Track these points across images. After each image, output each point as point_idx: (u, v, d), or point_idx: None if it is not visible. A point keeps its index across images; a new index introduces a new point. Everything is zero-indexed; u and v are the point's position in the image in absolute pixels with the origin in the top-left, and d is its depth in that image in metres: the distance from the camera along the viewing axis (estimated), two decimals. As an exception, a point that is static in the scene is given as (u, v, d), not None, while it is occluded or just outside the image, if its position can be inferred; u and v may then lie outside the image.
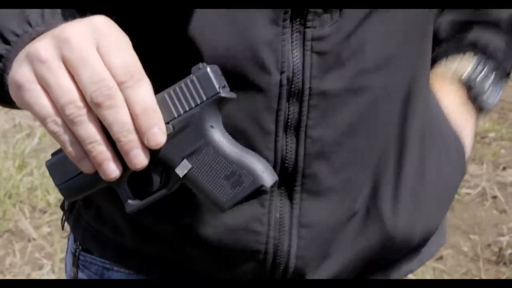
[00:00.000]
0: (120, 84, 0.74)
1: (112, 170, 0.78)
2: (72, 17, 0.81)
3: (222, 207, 0.79)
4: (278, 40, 0.88)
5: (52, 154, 0.83)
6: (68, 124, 0.75)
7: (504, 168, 3.41)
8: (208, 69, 0.78)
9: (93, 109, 0.75)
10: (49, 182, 3.25)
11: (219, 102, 0.79)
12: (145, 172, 0.81)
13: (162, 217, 0.98)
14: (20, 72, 0.76)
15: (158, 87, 0.80)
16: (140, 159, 0.77)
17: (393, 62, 0.94)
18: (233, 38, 0.87)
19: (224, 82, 0.79)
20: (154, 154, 0.78)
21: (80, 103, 0.75)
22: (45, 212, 3.16)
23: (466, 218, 3.17)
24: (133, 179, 0.82)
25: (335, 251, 1.01)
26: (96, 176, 0.79)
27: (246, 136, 0.90)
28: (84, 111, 0.75)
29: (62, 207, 1.18)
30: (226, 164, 0.78)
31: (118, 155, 0.78)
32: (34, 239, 3.02)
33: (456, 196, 3.26)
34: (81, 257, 1.14)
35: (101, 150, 0.76)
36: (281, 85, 0.89)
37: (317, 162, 0.94)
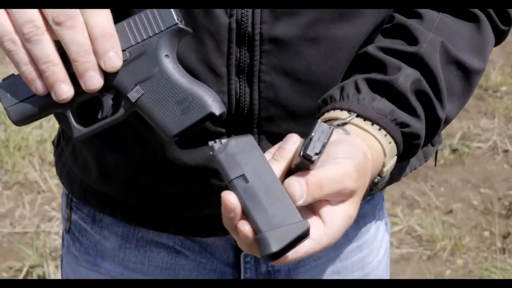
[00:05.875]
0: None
1: (64, 91, 0.79)
2: None
3: (171, 132, 0.81)
4: None
5: (3, 79, 0.84)
6: (25, 43, 0.77)
7: (516, 122, 3.39)
8: None
9: (53, 28, 0.77)
10: (58, 134, 3.25)
11: (176, 34, 0.82)
12: (96, 99, 0.83)
13: (124, 157, 1.02)
14: None
15: None
16: (95, 81, 0.79)
17: (354, 13, 0.93)
18: None
19: (181, 18, 0.83)
20: (108, 79, 0.80)
21: (39, 23, 0.76)
22: (54, 165, 3.16)
23: (476, 172, 3.16)
24: (84, 107, 0.84)
25: None
26: (46, 99, 0.81)
27: (198, 78, 0.91)
28: (41, 30, 0.77)
29: (53, 142, 1.22)
30: (177, 91, 0.81)
31: (72, 79, 0.80)
32: (43, 191, 3.03)
33: (467, 150, 3.24)
34: (74, 199, 1.16)
35: (54, 71, 0.78)
36: (230, 29, 0.90)
37: (273, 107, 0.95)
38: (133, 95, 0.81)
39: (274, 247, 0.72)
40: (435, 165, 1.27)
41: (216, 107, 0.81)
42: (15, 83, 0.83)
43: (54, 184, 3.03)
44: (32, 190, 3.04)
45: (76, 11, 0.76)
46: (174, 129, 0.81)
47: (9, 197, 3.01)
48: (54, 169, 3.11)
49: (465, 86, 0.95)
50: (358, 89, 0.89)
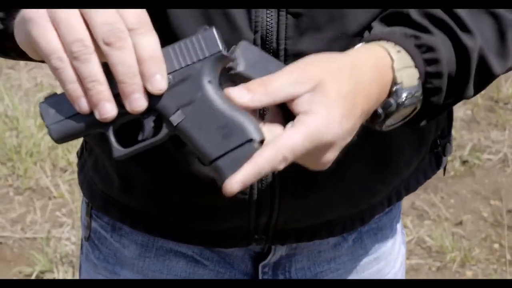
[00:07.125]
0: (131, 30, 0.77)
1: (108, 110, 0.79)
2: None
3: (211, 156, 0.82)
4: None
5: (46, 98, 0.85)
6: (72, 61, 0.77)
7: (526, 135, 3.39)
8: (214, 30, 0.83)
9: (102, 49, 0.77)
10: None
11: (220, 60, 0.83)
12: (137, 121, 0.84)
13: (146, 168, 1.03)
14: (34, 10, 0.78)
15: None
16: (140, 102, 0.79)
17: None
18: None
19: (225, 46, 0.84)
20: (151, 101, 0.81)
21: (88, 43, 0.77)
22: (66, 171, 3.17)
23: (486, 184, 3.16)
24: (124, 129, 0.85)
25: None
26: (89, 118, 0.81)
27: None
28: (90, 50, 0.77)
29: (77, 153, 1.23)
30: (219, 116, 0.82)
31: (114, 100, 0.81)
32: (54, 197, 3.04)
33: (477, 162, 3.24)
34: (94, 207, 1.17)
35: (100, 90, 0.78)
36: (255, 45, 0.91)
37: None
38: (175, 119, 0.82)
39: (229, 174, 0.80)
40: (443, 175, 1.27)
41: (256, 133, 0.82)
42: (58, 102, 0.83)
43: (65, 190, 3.05)
44: (44, 196, 3.06)
45: (126, 33, 0.77)
46: (214, 153, 0.82)
47: (20, 203, 3.02)
48: (65, 175, 3.14)
49: (500, 38, 0.93)
50: (370, 29, 0.91)
